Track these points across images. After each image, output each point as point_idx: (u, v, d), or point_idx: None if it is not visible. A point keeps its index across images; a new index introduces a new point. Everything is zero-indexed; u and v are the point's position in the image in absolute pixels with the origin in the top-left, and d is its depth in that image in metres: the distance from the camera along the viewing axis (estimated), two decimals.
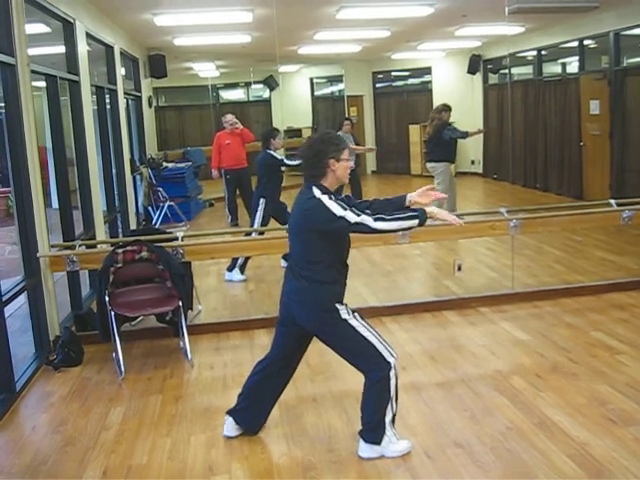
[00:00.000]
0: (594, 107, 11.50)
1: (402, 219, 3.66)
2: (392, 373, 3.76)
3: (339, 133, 12.01)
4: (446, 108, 9.85)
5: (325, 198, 3.64)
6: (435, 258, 8.73)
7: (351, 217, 3.60)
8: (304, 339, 3.99)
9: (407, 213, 3.69)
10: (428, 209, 3.70)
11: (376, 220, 3.62)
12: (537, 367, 5.02)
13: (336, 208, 3.62)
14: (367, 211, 3.68)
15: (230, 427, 4.18)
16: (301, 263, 3.78)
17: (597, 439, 3.92)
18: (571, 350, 5.30)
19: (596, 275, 7.21)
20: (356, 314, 3.82)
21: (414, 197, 3.85)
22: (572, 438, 3.95)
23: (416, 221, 3.65)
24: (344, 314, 3.76)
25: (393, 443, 3.85)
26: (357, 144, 11.13)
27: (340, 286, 3.82)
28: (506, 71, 14.33)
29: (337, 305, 3.75)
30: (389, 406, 3.80)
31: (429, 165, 10.01)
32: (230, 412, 4.20)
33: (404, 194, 3.88)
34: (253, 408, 4.14)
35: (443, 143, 9.71)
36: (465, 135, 9.89)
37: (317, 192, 3.67)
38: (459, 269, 6.89)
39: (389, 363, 3.75)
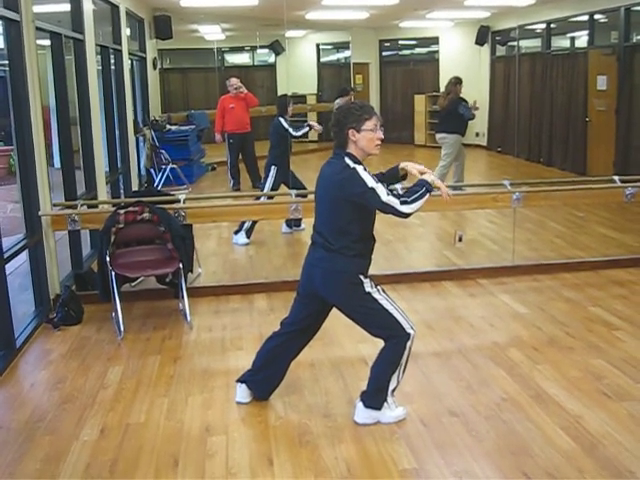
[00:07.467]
0: (601, 83, 11.40)
1: (419, 198, 3.61)
2: (408, 344, 3.77)
3: (337, 102, 12.00)
4: (459, 81, 9.92)
5: (360, 168, 3.62)
6: (436, 228, 8.73)
7: (381, 192, 3.56)
8: (324, 310, 3.98)
9: (419, 190, 3.62)
10: (429, 178, 3.68)
11: (402, 204, 3.58)
12: (534, 340, 5.04)
13: (369, 179, 3.58)
14: (394, 192, 3.64)
15: (244, 394, 4.17)
16: (328, 233, 3.73)
17: (591, 413, 3.95)
18: (569, 324, 5.33)
19: (596, 251, 7.22)
20: (379, 287, 3.82)
21: (409, 167, 3.79)
22: (567, 411, 3.98)
23: (428, 195, 3.64)
24: (368, 287, 3.75)
25: (390, 410, 3.88)
26: None
27: (365, 259, 3.79)
28: (514, 43, 14.20)
29: (361, 277, 3.74)
30: (396, 373, 3.82)
31: (439, 136, 10.03)
32: (243, 380, 4.18)
33: (396, 165, 3.85)
34: (268, 375, 4.15)
35: (457, 116, 9.76)
36: (472, 117, 9.93)
37: (350, 162, 3.64)
38: (460, 240, 6.89)
39: (408, 334, 3.76)
